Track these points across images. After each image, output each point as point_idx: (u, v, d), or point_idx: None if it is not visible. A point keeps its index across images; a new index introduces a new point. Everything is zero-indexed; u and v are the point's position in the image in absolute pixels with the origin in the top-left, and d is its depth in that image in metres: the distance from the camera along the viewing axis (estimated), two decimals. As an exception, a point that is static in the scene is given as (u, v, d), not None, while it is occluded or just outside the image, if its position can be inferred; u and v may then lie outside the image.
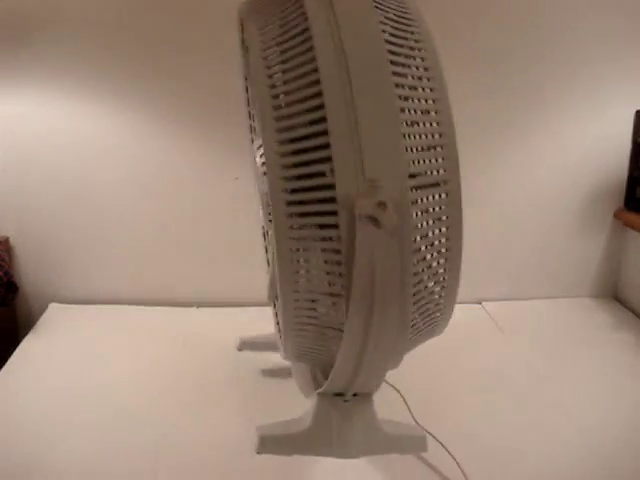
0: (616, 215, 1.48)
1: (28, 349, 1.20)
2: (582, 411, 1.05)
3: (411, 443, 0.86)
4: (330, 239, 0.64)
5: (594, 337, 1.33)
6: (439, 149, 0.64)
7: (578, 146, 1.44)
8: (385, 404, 1.04)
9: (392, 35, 0.64)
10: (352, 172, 0.59)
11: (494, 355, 1.24)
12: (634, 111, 1.40)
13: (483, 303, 1.48)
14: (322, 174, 0.62)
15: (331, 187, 0.61)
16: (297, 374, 0.96)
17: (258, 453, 0.84)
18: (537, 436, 0.97)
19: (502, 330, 1.35)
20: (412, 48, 0.66)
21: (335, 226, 0.62)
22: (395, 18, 0.65)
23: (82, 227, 1.41)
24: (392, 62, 0.63)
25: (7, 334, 1.36)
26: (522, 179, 1.46)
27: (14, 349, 1.19)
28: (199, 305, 1.43)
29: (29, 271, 1.43)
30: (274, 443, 0.84)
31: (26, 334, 1.27)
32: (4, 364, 1.13)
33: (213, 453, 0.92)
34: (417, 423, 0.98)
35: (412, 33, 0.66)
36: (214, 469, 0.89)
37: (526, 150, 1.44)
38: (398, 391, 1.01)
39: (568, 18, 1.36)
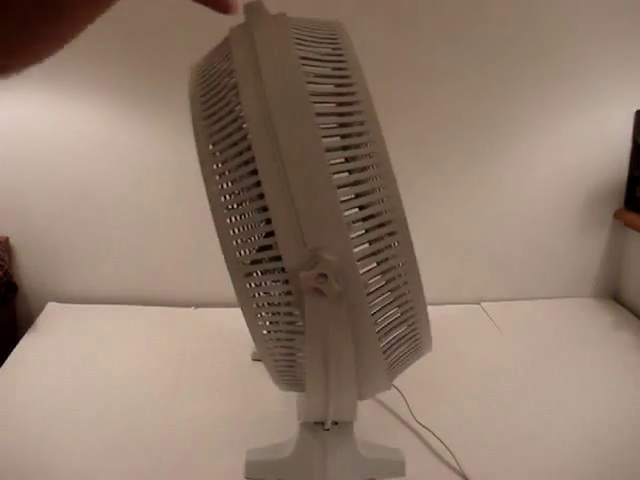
0: (616, 215, 1.48)
1: (26, 348, 1.21)
2: (581, 411, 1.04)
3: (390, 468, 0.88)
4: (288, 304, 0.67)
5: (594, 337, 1.32)
6: (383, 202, 0.64)
7: (578, 146, 1.44)
8: (385, 402, 1.05)
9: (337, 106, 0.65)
10: (294, 245, 0.61)
11: (493, 355, 1.24)
12: (634, 111, 1.40)
13: (482, 303, 1.48)
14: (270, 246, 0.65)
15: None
16: (299, 396, 0.99)
17: (246, 478, 0.87)
18: (536, 436, 0.97)
19: (501, 330, 1.35)
20: (352, 122, 0.65)
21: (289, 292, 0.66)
22: (333, 90, 0.65)
23: (82, 227, 1.42)
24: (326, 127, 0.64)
25: (7, 333, 1.37)
26: (522, 179, 1.46)
27: (14, 348, 1.19)
28: (197, 306, 1.43)
29: (29, 271, 1.43)
30: (260, 468, 0.87)
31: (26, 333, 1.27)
32: (3, 363, 1.14)
33: (214, 452, 0.92)
34: (417, 422, 0.98)
35: (352, 94, 0.65)
36: (214, 468, 0.89)
37: (526, 150, 1.44)
38: (399, 390, 1.02)
39: (568, 18, 1.35)
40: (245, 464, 0.87)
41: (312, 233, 0.61)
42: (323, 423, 0.83)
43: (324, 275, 0.61)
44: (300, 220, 0.61)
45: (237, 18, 0.71)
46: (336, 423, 0.84)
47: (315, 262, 0.61)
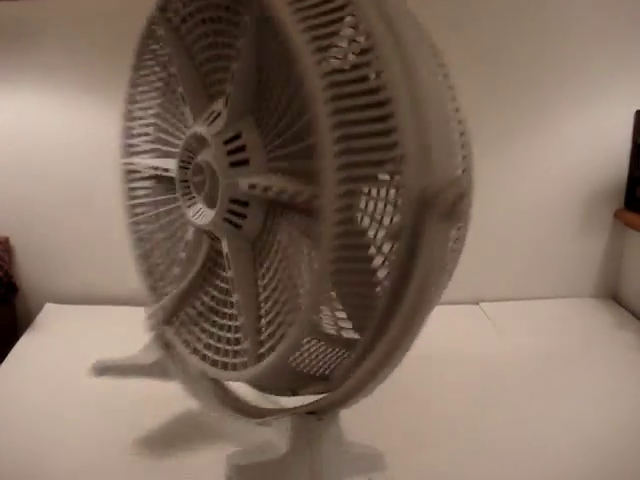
0: (616, 215, 1.47)
1: (24, 349, 1.21)
2: (581, 411, 1.04)
3: (372, 462, 0.86)
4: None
5: (594, 337, 1.32)
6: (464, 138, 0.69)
7: (578, 146, 1.44)
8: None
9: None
10: (424, 168, 0.58)
11: (492, 356, 1.23)
12: (634, 111, 1.40)
13: (481, 303, 1.48)
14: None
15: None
16: (199, 393, 0.92)
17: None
18: (536, 437, 0.97)
19: (500, 331, 1.34)
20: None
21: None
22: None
23: (82, 228, 1.42)
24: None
25: (7, 333, 1.37)
26: (522, 179, 1.45)
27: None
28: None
29: (29, 271, 1.44)
30: (246, 473, 0.81)
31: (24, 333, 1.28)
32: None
33: (213, 450, 0.92)
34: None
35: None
36: (215, 467, 0.89)
37: (526, 150, 1.43)
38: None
39: (568, 18, 1.35)
40: (228, 468, 0.80)
41: (440, 158, 0.59)
42: (316, 413, 0.79)
43: (462, 195, 0.58)
44: (432, 145, 0.58)
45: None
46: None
47: (453, 184, 0.58)
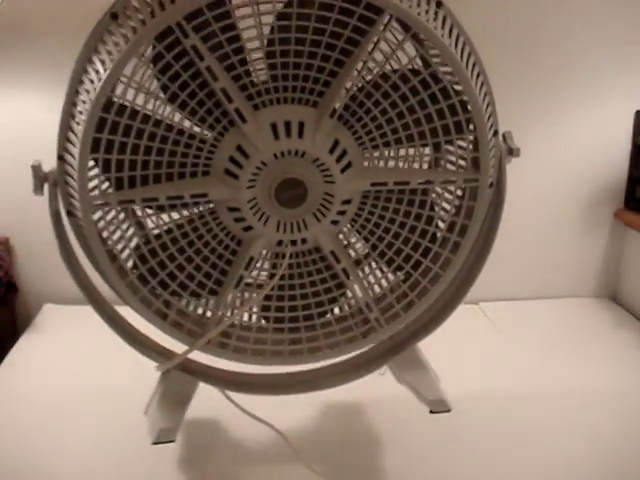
0: (616, 215, 1.47)
1: (23, 349, 1.22)
2: (580, 410, 1.04)
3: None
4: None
5: (593, 337, 1.32)
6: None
7: (578, 146, 1.44)
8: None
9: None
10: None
11: (491, 356, 1.23)
12: (634, 111, 1.40)
13: (480, 304, 1.48)
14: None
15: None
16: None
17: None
18: (536, 437, 0.97)
19: (499, 331, 1.34)
20: None
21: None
22: None
23: (81, 227, 1.42)
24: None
25: (7, 333, 1.37)
26: (522, 179, 1.44)
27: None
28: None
29: (29, 271, 1.44)
30: None
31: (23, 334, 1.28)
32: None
33: (212, 451, 0.93)
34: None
35: None
36: (212, 468, 0.89)
37: (526, 150, 1.42)
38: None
39: (568, 19, 1.35)
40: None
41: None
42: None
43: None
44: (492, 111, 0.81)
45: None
46: None
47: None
